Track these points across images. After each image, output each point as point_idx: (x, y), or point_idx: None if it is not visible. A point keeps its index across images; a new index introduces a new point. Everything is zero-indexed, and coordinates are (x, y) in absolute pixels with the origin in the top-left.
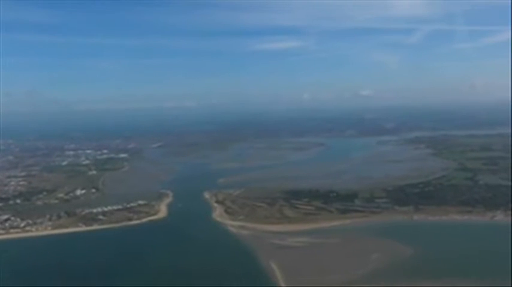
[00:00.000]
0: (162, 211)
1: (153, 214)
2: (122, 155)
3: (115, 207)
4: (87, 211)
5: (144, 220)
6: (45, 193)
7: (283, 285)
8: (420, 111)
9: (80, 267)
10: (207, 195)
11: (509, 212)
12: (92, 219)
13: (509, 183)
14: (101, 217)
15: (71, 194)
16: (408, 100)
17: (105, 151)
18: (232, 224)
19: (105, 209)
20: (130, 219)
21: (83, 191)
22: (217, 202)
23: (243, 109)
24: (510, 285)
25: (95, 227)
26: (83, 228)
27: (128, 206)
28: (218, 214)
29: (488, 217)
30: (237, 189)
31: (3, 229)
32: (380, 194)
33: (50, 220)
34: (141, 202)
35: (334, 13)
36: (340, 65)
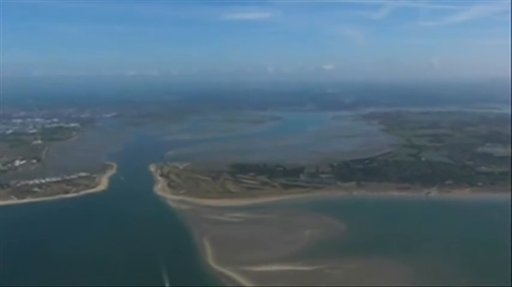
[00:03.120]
0: (103, 184)
1: (92, 187)
2: (73, 125)
3: (53, 179)
4: (22, 182)
5: (82, 193)
6: None
7: (211, 261)
8: (380, 87)
9: None
10: (152, 168)
11: (444, 188)
12: (26, 191)
13: (449, 160)
14: (36, 189)
15: (9, 165)
16: (370, 75)
17: (55, 120)
18: (172, 199)
19: (43, 181)
20: (67, 192)
21: (23, 162)
22: (161, 175)
23: (206, 80)
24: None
25: (28, 200)
26: (14, 201)
27: (68, 178)
28: (160, 187)
29: (423, 194)
30: (184, 162)
31: None
32: (325, 170)
33: None
34: (82, 174)
35: None
36: (305, 38)
